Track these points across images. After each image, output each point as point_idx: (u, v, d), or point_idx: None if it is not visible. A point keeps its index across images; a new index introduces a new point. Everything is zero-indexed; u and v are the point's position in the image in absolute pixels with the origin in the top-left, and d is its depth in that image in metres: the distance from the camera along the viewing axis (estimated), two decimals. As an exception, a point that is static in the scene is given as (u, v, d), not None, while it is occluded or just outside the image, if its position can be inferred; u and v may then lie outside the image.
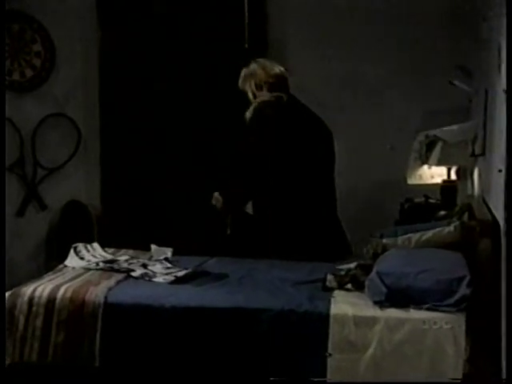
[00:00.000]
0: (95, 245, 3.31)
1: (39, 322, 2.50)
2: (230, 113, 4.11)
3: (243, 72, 3.63)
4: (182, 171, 4.46)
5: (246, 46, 4.36)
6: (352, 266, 2.89)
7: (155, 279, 2.83)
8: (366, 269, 2.71)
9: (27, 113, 4.51)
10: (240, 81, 3.62)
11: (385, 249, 2.85)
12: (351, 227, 4.11)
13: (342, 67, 4.37)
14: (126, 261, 3.11)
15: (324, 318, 2.43)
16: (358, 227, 3.57)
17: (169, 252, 3.24)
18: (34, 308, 2.52)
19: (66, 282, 2.68)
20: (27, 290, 2.59)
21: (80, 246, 3.24)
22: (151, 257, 3.20)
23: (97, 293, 2.58)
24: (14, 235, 4.56)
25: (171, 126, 4.50)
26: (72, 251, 3.19)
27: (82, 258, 3.13)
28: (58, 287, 2.61)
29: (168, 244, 3.31)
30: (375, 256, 2.83)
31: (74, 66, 4.48)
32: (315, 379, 2.40)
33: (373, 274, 2.57)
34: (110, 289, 2.64)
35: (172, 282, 2.79)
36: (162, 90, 4.46)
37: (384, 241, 2.89)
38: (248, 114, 3.53)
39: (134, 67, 4.48)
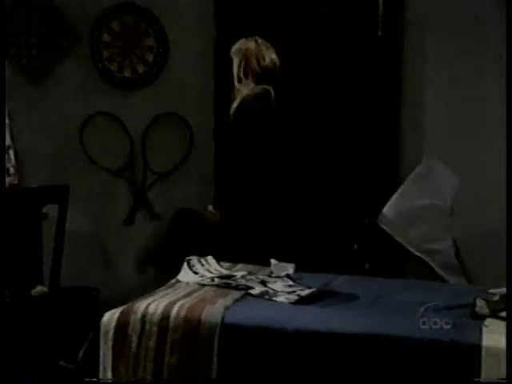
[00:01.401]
0: (210, 258, 3.37)
1: (153, 342, 2.56)
2: (365, 107, 4.08)
3: (239, 45, 3.76)
4: (307, 176, 4.46)
5: (380, 33, 4.30)
6: (506, 290, 2.76)
7: (276, 298, 2.84)
8: (525, 294, 2.59)
9: (137, 112, 4.68)
10: (233, 50, 3.77)
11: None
12: (499, 241, 3.95)
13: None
14: (244, 277, 3.14)
15: (475, 350, 2.34)
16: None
17: (291, 268, 3.24)
18: (147, 326, 2.59)
19: (180, 299, 2.74)
20: (140, 306, 2.66)
21: (194, 259, 3.31)
22: (271, 273, 3.21)
23: (213, 312, 2.62)
24: (121, 245, 4.76)
25: (296, 125, 4.49)
26: (185, 265, 3.26)
27: (195, 273, 3.20)
28: (171, 304, 2.67)
29: (290, 259, 3.32)
30: (535, 279, 2.69)
31: (187, 61, 4.60)
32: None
33: (534, 301, 2.45)
34: (227, 308, 2.67)
35: (295, 302, 2.78)
36: (286, 85, 4.46)
37: (546, 261, 2.74)
38: (235, 106, 3.66)
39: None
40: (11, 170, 4.62)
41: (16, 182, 4.64)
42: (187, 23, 4.57)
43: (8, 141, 4.65)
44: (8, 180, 4.61)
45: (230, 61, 4.53)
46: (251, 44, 3.75)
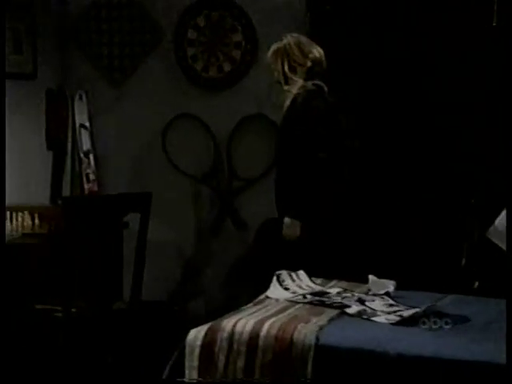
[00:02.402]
0: (301, 273, 3.36)
1: (241, 363, 2.57)
2: (474, 105, 3.97)
3: (276, 46, 3.75)
4: (409, 182, 4.41)
5: (494, 23, 4.20)
6: None
7: (375, 318, 2.81)
8: None
9: (223, 114, 4.72)
10: (270, 54, 3.75)
11: None
12: None
13: None
14: (339, 294, 3.12)
15: None
16: None
17: (391, 285, 3.21)
18: (235, 346, 2.59)
19: (270, 317, 2.74)
20: (227, 324, 2.67)
21: (284, 273, 3.31)
22: (369, 290, 3.18)
23: (306, 332, 2.60)
24: (205, 257, 4.80)
25: (406, 125, 4.43)
26: (275, 280, 3.26)
27: (286, 289, 3.20)
28: (261, 322, 2.67)
29: (389, 275, 3.28)
30: None
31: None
32: None
33: None
34: (321, 328, 2.65)
35: (396, 324, 2.74)
36: (391, 82, 4.41)
37: None
38: (287, 106, 3.64)
39: (351, 60, 4.48)
40: (91, 176, 4.74)
41: (96, 188, 4.76)
42: (278, 16, 4.57)
43: (88, 145, 4.78)
44: (87, 187, 4.74)
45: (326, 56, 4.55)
46: (287, 40, 3.76)
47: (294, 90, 3.68)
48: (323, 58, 3.75)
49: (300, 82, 3.70)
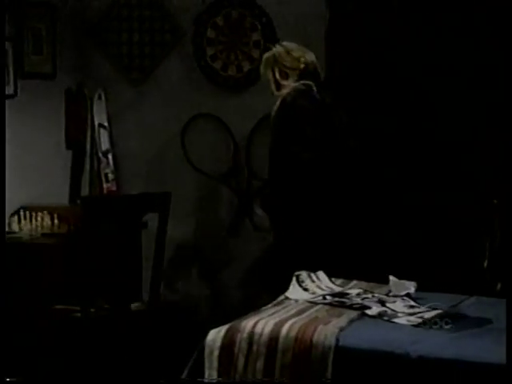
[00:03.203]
0: (321, 274, 3.36)
1: (260, 364, 2.57)
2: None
3: (265, 56, 3.80)
4: (432, 182, 4.40)
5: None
6: None
7: (396, 320, 2.81)
8: None
9: (242, 113, 4.73)
10: (262, 66, 3.80)
11: None
12: None
13: None
14: (359, 295, 3.12)
15: None
16: None
17: (412, 286, 3.20)
18: (255, 347, 2.60)
19: (290, 318, 2.74)
20: (246, 324, 2.67)
21: (303, 274, 3.31)
22: (389, 291, 3.18)
23: (326, 333, 2.60)
24: (224, 257, 4.81)
25: (418, 130, 4.44)
26: (294, 280, 3.27)
27: (305, 290, 3.20)
28: (280, 323, 2.68)
29: (410, 276, 3.27)
30: None
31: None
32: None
33: None
34: (341, 329, 2.65)
35: (418, 325, 2.74)
36: (407, 91, 4.41)
37: None
38: (275, 107, 3.67)
39: (369, 59, 4.48)
40: (110, 176, 4.77)
41: (114, 188, 4.78)
42: (297, 15, 4.57)
43: (107, 145, 4.81)
44: (106, 186, 4.76)
45: (343, 55, 4.54)
46: (276, 49, 3.81)
47: (285, 92, 3.73)
48: (316, 61, 3.80)
49: (292, 85, 3.74)
